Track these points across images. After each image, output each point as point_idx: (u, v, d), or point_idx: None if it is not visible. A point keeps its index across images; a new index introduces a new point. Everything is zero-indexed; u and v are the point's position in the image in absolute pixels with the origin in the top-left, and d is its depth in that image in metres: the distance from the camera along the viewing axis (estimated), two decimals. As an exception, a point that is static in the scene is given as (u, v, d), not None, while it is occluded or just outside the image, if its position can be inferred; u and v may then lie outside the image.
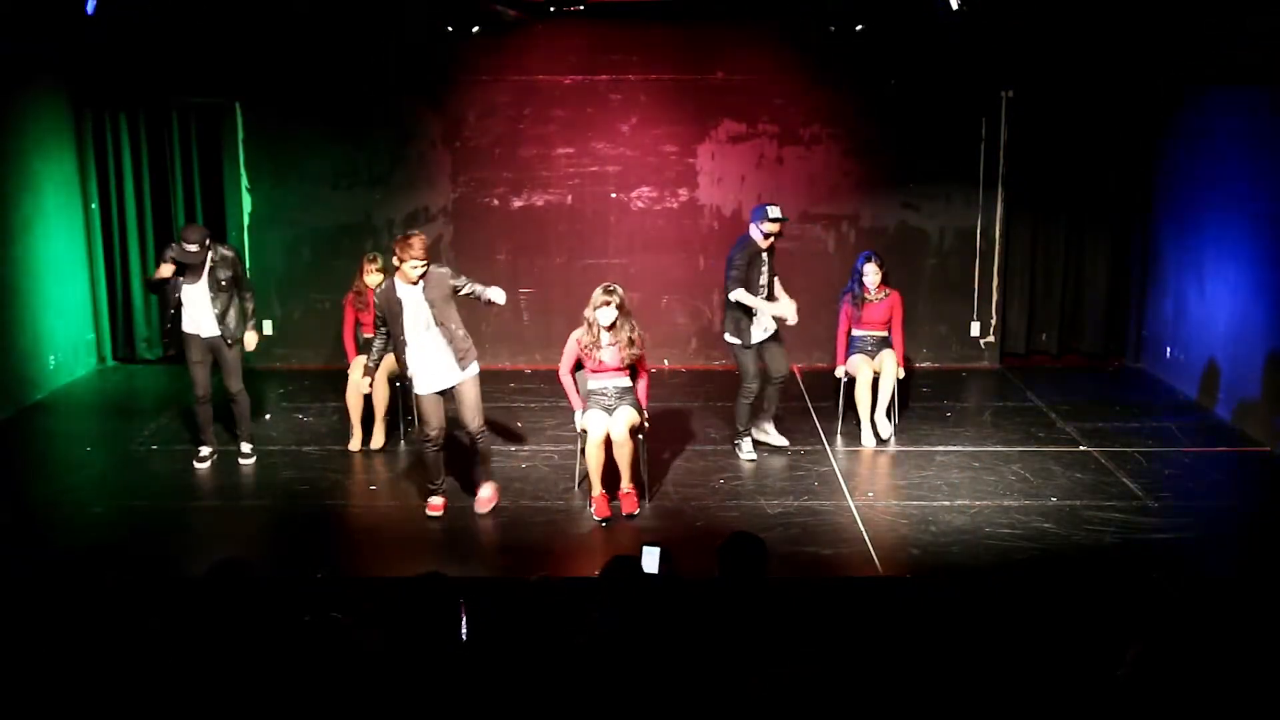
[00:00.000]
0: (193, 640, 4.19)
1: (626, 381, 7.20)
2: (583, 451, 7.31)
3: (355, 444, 8.34)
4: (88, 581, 5.67)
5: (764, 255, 7.88)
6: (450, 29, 9.30)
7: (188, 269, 7.64)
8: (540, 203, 10.56)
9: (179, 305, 7.73)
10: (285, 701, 3.94)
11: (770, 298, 7.94)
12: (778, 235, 7.90)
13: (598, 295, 7.07)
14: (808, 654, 4.20)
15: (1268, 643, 4.68)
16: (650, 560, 4.88)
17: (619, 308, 7.05)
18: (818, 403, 9.31)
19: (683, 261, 10.60)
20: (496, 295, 6.91)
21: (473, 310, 8.10)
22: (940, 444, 8.46)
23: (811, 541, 6.80)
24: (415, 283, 6.80)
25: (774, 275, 7.98)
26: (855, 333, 8.52)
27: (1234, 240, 8.96)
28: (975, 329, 10.76)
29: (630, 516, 7.11)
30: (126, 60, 10.15)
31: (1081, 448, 8.35)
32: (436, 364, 6.92)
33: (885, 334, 8.50)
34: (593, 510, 7.11)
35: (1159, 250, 10.32)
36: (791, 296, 8.05)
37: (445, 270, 6.92)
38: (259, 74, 10.29)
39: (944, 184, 10.53)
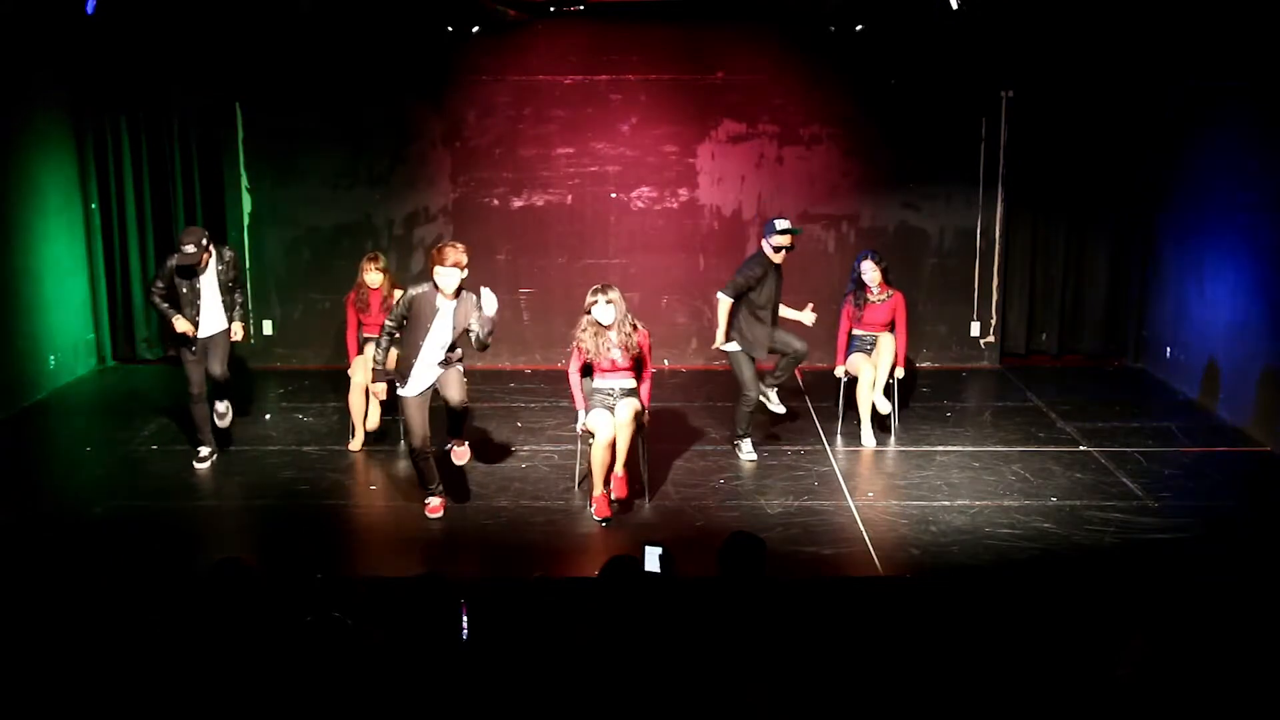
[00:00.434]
0: (193, 640, 4.19)
1: (631, 383, 7.21)
2: (583, 453, 7.30)
3: (357, 444, 8.34)
4: (88, 581, 5.69)
5: (776, 272, 7.86)
6: (450, 29, 9.30)
7: (189, 271, 7.66)
8: (540, 203, 10.56)
9: (193, 309, 7.74)
10: (286, 702, 3.94)
11: (774, 319, 7.91)
12: (790, 248, 7.87)
13: (589, 297, 7.09)
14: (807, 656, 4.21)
15: (1268, 643, 4.68)
16: (652, 560, 4.88)
17: (610, 303, 7.04)
18: (818, 403, 9.31)
19: (683, 261, 10.60)
20: (492, 305, 6.90)
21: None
22: (940, 444, 8.47)
23: (811, 541, 6.80)
24: (451, 298, 6.80)
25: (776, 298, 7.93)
26: (856, 332, 8.51)
27: (1234, 240, 8.96)
28: (975, 329, 10.76)
29: (620, 501, 7.11)
30: (126, 60, 10.15)
31: (1081, 448, 8.35)
32: (429, 371, 6.94)
33: (887, 335, 8.48)
34: (593, 510, 7.11)
35: (1159, 250, 10.32)
36: (789, 300, 8.02)
37: (478, 303, 6.85)
38: (259, 74, 10.29)
39: (944, 184, 10.53)
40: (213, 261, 7.79)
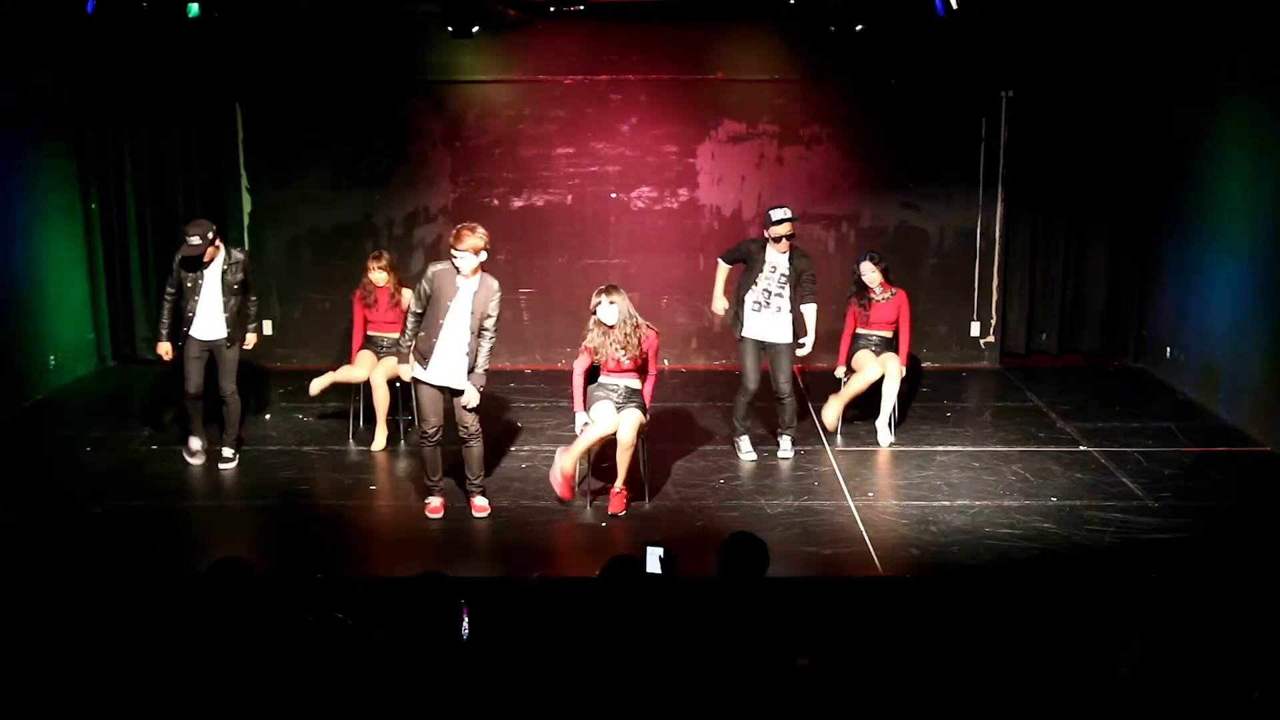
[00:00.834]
0: (193, 640, 4.19)
1: (636, 383, 7.22)
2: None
3: (381, 440, 8.35)
4: (88, 581, 5.68)
5: (766, 255, 7.88)
6: (450, 29, 9.30)
7: (193, 263, 7.63)
8: (540, 203, 10.56)
9: (183, 308, 7.71)
10: (286, 702, 3.94)
11: (781, 312, 7.94)
12: (789, 236, 7.87)
13: (593, 297, 7.11)
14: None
15: (1268, 643, 4.68)
16: (653, 560, 4.88)
17: (614, 303, 7.05)
18: (818, 403, 9.30)
19: (683, 261, 10.60)
20: (470, 396, 6.90)
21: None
22: (940, 444, 8.46)
23: (811, 541, 6.80)
24: (469, 276, 6.80)
25: (784, 289, 7.91)
26: (860, 331, 8.51)
27: (1234, 240, 8.96)
28: (975, 329, 10.76)
29: (614, 516, 7.11)
30: (127, 60, 10.15)
31: (1081, 448, 8.35)
32: (450, 360, 6.91)
33: (890, 335, 8.46)
34: (557, 487, 7.07)
35: (1159, 250, 10.32)
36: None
37: (498, 292, 6.89)
38: (259, 74, 10.29)
39: (944, 184, 10.53)
40: (220, 258, 7.71)
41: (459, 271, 6.78)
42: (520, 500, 7.40)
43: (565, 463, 7.06)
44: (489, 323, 6.90)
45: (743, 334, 8.05)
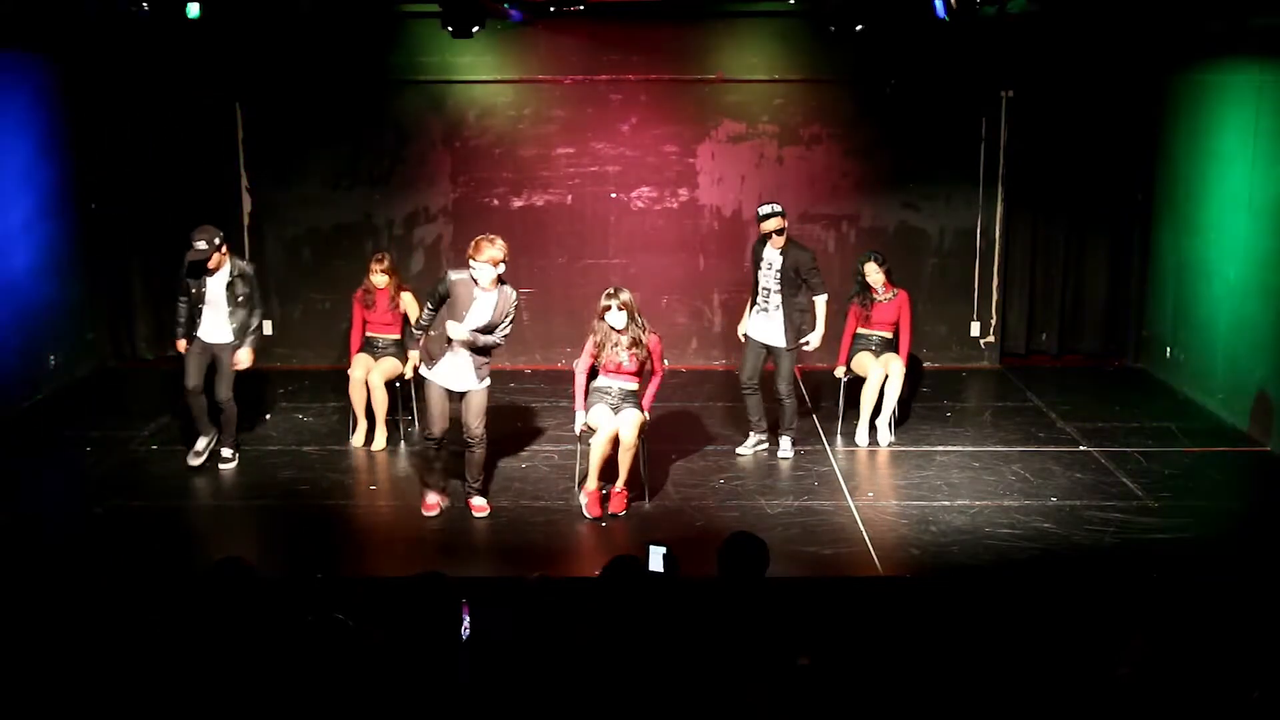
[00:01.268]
0: (193, 640, 4.19)
1: (634, 385, 7.21)
2: (583, 452, 7.31)
3: (359, 438, 8.35)
4: (88, 581, 5.68)
5: (764, 252, 7.92)
6: (450, 29, 9.29)
7: (198, 269, 7.63)
8: (540, 203, 10.56)
9: (195, 310, 7.72)
10: (286, 702, 3.94)
11: (779, 312, 7.96)
12: (778, 232, 7.88)
13: (602, 300, 7.12)
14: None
15: (1267, 643, 4.68)
16: (656, 559, 4.89)
17: (623, 308, 7.06)
18: (818, 403, 9.31)
19: (683, 261, 10.60)
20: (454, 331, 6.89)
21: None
22: (940, 444, 8.47)
23: (811, 541, 6.80)
24: (489, 288, 6.82)
25: (778, 285, 7.92)
26: (860, 331, 8.51)
27: (1234, 240, 8.96)
28: (975, 329, 10.76)
29: (614, 516, 7.11)
30: (127, 59, 10.15)
31: (1081, 448, 8.35)
32: (459, 364, 6.93)
33: (891, 335, 8.47)
34: (584, 506, 7.12)
35: (1159, 250, 10.32)
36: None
37: (515, 303, 6.95)
38: (259, 74, 10.29)
39: (944, 184, 10.53)
40: (226, 269, 7.69)
41: (477, 283, 6.79)
42: (520, 500, 7.40)
43: (589, 485, 7.10)
44: (501, 328, 6.92)
45: (744, 332, 8.13)
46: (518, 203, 10.56)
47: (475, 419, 7.01)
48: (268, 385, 9.84)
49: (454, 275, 6.87)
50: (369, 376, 8.30)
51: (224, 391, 7.85)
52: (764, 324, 8.02)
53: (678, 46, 10.32)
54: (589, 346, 7.23)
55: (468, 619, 4.31)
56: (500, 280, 6.85)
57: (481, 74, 10.36)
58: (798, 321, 8.00)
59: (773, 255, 7.93)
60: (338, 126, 10.42)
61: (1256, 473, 8.00)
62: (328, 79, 10.30)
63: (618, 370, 7.15)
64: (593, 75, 10.39)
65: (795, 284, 7.93)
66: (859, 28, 9.03)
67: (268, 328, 10.51)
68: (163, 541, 6.82)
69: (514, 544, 6.83)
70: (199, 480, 7.84)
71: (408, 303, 8.43)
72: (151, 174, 10.44)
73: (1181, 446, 8.39)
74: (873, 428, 8.41)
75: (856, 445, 8.37)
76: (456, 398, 7.03)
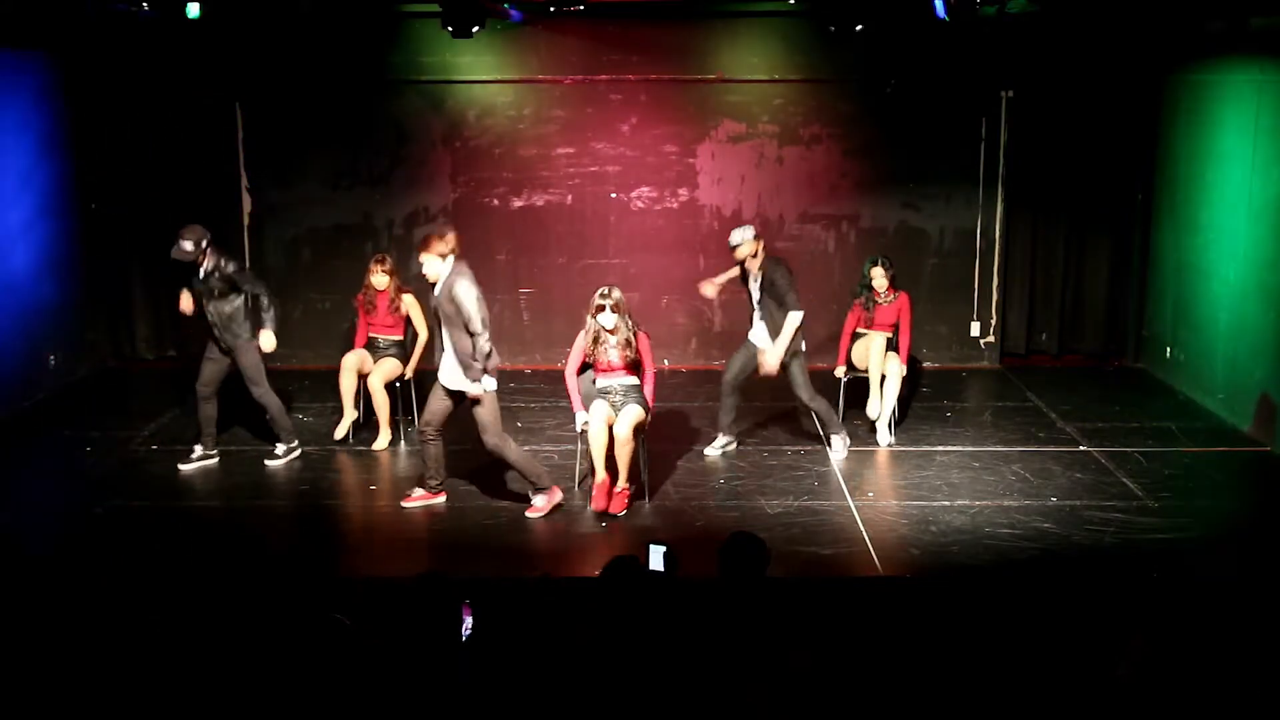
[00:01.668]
0: (194, 640, 4.20)
1: (634, 380, 7.22)
2: (583, 452, 7.31)
3: (341, 430, 8.42)
4: (88, 582, 5.68)
5: (750, 278, 7.92)
6: (450, 29, 9.30)
7: (190, 267, 7.63)
8: (540, 203, 10.56)
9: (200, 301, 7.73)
10: (286, 702, 3.94)
11: (763, 328, 7.96)
12: (752, 255, 7.82)
13: (594, 300, 7.12)
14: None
15: (1267, 643, 4.68)
16: (656, 559, 4.89)
17: (615, 309, 7.07)
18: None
19: (683, 261, 10.59)
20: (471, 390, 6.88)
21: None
22: (940, 444, 8.47)
23: (811, 541, 6.80)
24: (434, 281, 6.87)
25: (765, 305, 7.89)
26: (860, 331, 8.52)
27: (1234, 240, 8.96)
28: (975, 329, 10.76)
29: (614, 516, 7.11)
30: (126, 60, 10.15)
31: (1081, 448, 8.35)
32: (447, 359, 6.99)
33: (891, 335, 8.48)
34: (591, 499, 7.12)
35: (1159, 250, 10.32)
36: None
37: (462, 292, 6.77)
38: (259, 74, 10.29)
39: (944, 184, 10.53)
40: (205, 265, 7.63)
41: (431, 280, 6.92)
42: (520, 501, 7.40)
43: (596, 477, 7.13)
44: (465, 318, 6.82)
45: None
46: (518, 203, 10.56)
47: (482, 432, 7.01)
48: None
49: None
50: (370, 379, 8.30)
51: (253, 389, 7.87)
52: (759, 332, 8.03)
53: (678, 46, 10.32)
54: (580, 345, 7.22)
55: (468, 619, 4.31)
56: (451, 269, 6.83)
57: (481, 74, 10.36)
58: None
59: (752, 272, 7.94)
60: (338, 126, 10.42)
61: (1256, 473, 8.00)
62: (328, 79, 10.30)
63: (609, 368, 7.16)
64: (593, 75, 10.39)
65: (774, 299, 7.93)
66: (859, 28, 9.04)
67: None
68: (163, 541, 6.81)
69: (514, 544, 6.84)
70: (199, 480, 7.84)
71: (409, 304, 8.43)
72: (151, 174, 10.44)
73: (1181, 446, 8.39)
74: (873, 428, 8.42)
75: (857, 446, 8.37)
76: (455, 398, 7.05)
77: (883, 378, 8.35)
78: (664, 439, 8.33)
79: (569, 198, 10.56)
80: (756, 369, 8.02)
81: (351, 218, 10.57)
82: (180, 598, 5.00)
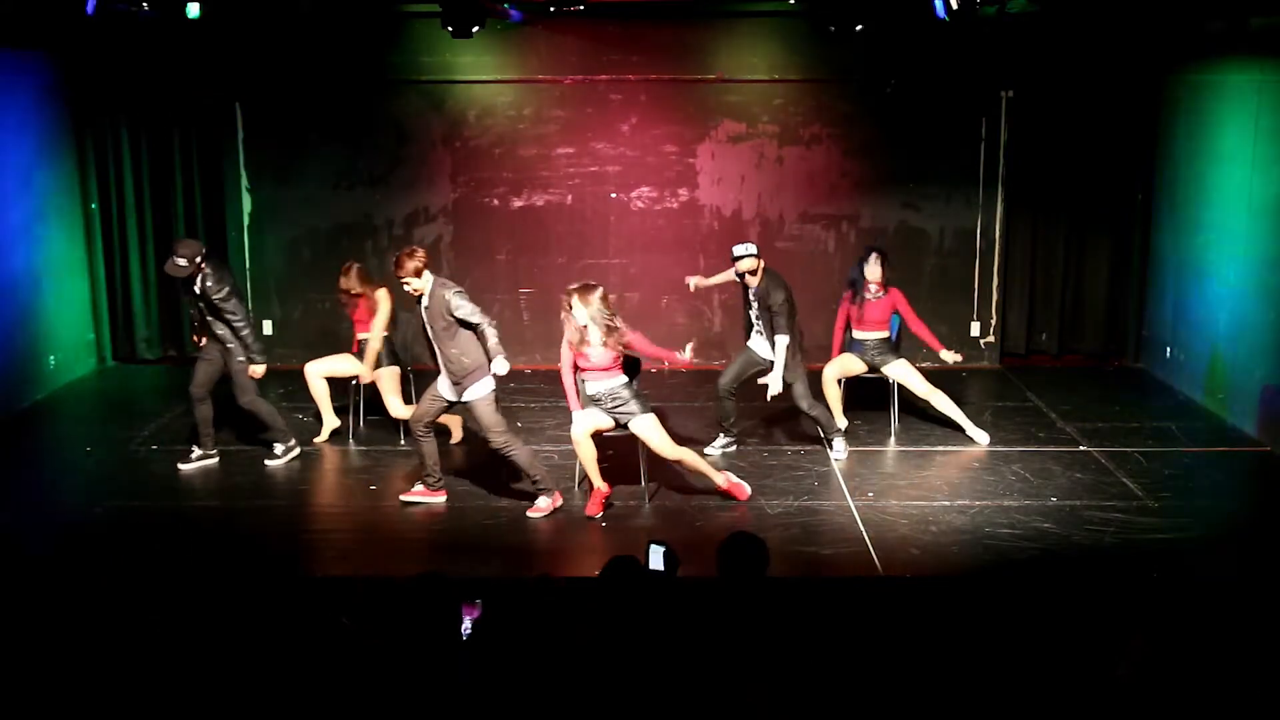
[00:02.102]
0: (194, 640, 4.20)
1: (622, 379, 7.16)
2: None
3: (324, 435, 8.48)
4: (88, 581, 5.68)
5: (750, 291, 7.93)
6: (450, 29, 9.30)
7: (185, 281, 7.65)
8: (540, 203, 10.56)
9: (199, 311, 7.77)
10: (286, 701, 3.94)
11: (761, 336, 8.00)
12: (750, 271, 7.83)
13: (563, 299, 7.05)
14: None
15: (1268, 644, 4.68)
16: (656, 558, 4.88)
17: (583, 303, 6.93)
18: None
19: (683, 261, 10.57)
20: (499, 367, 6.89)
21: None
22: (940, 444, 8.47)
23: (811, 541, 6.80)
24: (418, 297, 6.96)
25: (763, 318, 7.89)
26: (856, 334, 8.51)
27: (1234, 240, 8.96)
28: (975, 329, 10.76)
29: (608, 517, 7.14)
30: (126, 60, 10.15)
31: (1081, 448, 8.35)
32: (445, 371, 7.07)
33: (886, 335, 8.48)
34: (589, 509, 7.12)
35: (1159, 250, 10.32)
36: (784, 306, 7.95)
37: (450, 296, 6.91)
38: (259, 74, 10.29)
39: (944, 184, 10.53)
40: (196, 281, 7.60)
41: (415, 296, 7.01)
42: (520, 500, 7.40)
43: (597, 485, 7.15)
44: (467, 317, 6.91)
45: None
46: (518, 203, 10.56)
47: (487, 433, 7.11)
48: (268, 385, 9.83)
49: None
50: (306, 366, 8.46)
51: (240, 398, 7.89)
52: (757, 342, 8.05)
53: (678, 46, 10.32)
54: (567, 342, 7.16)
55: (468, 619, 4.31)
56: (430, 285, 6.95)
57: (481, 74, 10.36)
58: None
59: (752, 287, 7.93)
60: (338, 126, 10.43)
61: (1256, 473, 8.00)
62: (328, 79, 10.30)
63: (594, 368, 7.08)
64: (593, 75, 10.39)
65: (769, 316, 7.92)
66: (859, 28, 9.05)
67: (268, 328, 10.54)
68: (163, 541, 6.81)
69: (514, 544, 6.83)
70: (199, 480, 7.84)
71: (382, 298, 8.41)
72: (151, 174, 10.44)
73: (1181, 446, 8.39)
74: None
75: (857, 446, 8.37)
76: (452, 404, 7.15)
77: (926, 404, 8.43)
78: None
79: (569, 198, 10.56)
80: (752, 378, 8.04)
81: (351, 218, 10.57)
82: (180, 598, 5.00)
